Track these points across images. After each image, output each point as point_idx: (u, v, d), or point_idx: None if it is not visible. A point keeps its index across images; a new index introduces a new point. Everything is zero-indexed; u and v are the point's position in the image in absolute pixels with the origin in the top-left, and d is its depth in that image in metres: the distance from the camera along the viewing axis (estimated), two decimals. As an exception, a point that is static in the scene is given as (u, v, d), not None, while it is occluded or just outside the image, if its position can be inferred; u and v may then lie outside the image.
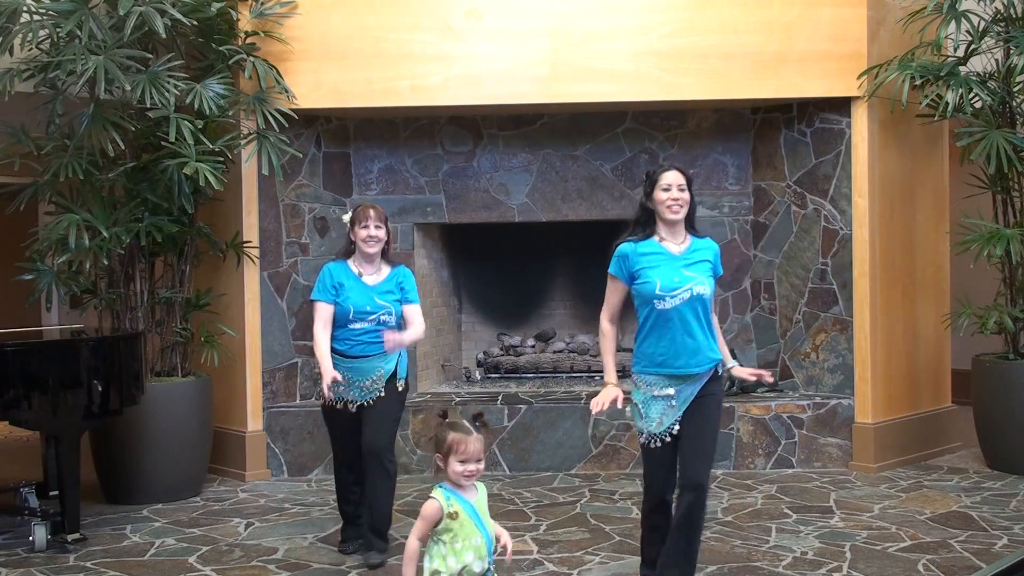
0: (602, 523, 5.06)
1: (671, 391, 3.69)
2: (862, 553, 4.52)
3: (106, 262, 5.73)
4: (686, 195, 3.73)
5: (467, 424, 3.09)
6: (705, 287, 3.69)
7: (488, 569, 3.03)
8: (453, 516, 2.98)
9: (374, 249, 4.47)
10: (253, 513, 5.40)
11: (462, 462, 3.03)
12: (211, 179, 5.36)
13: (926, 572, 4.26)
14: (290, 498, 5.69)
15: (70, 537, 4.77)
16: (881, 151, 6.23)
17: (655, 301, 3.67)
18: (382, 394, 4.46)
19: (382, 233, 4.48)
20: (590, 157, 6.75)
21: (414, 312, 4.55)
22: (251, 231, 6.14)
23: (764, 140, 6.69)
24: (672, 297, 3.65)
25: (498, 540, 3.08)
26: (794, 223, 6.54)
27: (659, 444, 3.73)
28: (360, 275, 4.49)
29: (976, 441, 6.36)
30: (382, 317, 4.44)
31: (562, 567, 4.39)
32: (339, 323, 4.46)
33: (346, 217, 4.61)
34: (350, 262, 4.52)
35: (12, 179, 5.88)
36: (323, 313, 4.46)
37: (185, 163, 5.35)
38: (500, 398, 6.50)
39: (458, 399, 6.51)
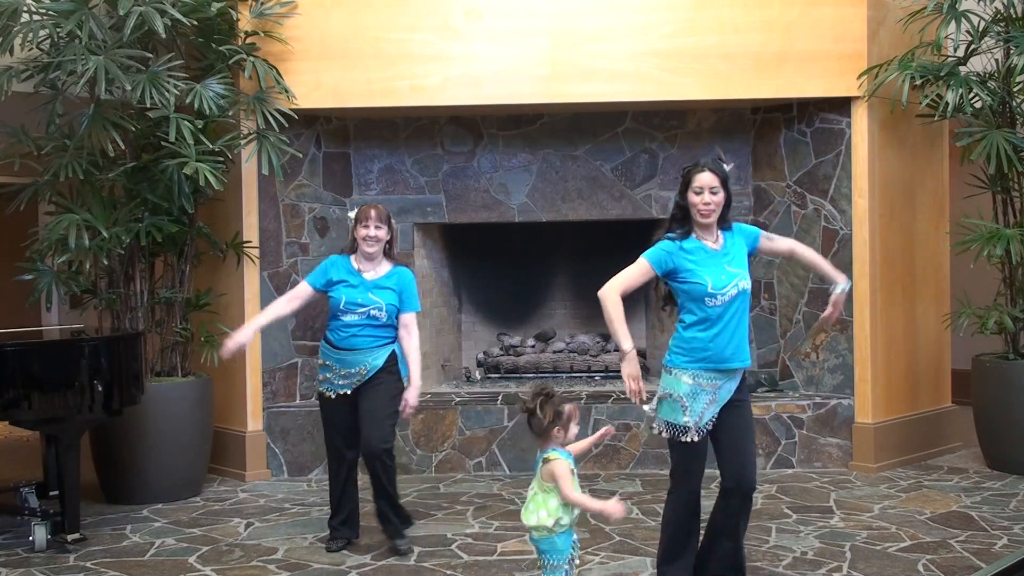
0: (602, 523, 5.05)
1: (718, 383, 3.69)
2: (862, 553, 4.52)
3: (106, 262, 5.73)
4: (718, 197, 3.71)
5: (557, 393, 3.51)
6: (747, 282, 3.73)
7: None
8: (573, 473, 3.42)
9: (373, 249, 4.54)
10: (253, 513, 5.40)
11: (576, 424, 3.47)
12: (211, 179, 5.36)
13: (926, 572, 4.26)
14: (290, 498, 5.69)
15: (70, 537, 4.77)
16: (881, 151, 6.23)
17: (707, 299, 3.66)
18: (373, 380, 4.52)
19: (382, 233, 4.53)
20: (590, 157, 6.75)
21: (410, 320, 4.62)
22: (251, 231, 6.14)
23: (764, 140, 6.69)
24: (723, 295, 3.66)
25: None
26: (794, 223, 6.54)
27: (699, 437, 3.68)
28: (359, 271, 4.57)
29: (976, 441, 6.36)
30: (372, 312, 4.50)
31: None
32: (332, 314, 4.58)
33: (351, 214, 4.66)
34: (352, 258, 4.61)
35: (12, 179, 5.88)
36: (297, 289, 4.74)
37: (185, 163, 5.35)
38: (500, 398, 6.50)
39: (458, 399, 6.51)
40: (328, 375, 4.60)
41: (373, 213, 4.52)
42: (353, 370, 4.54)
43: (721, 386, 3.70)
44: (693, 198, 3.72)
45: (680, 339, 3.74)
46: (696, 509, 3.78)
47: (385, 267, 4.59)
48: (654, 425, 3.82)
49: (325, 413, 4.69)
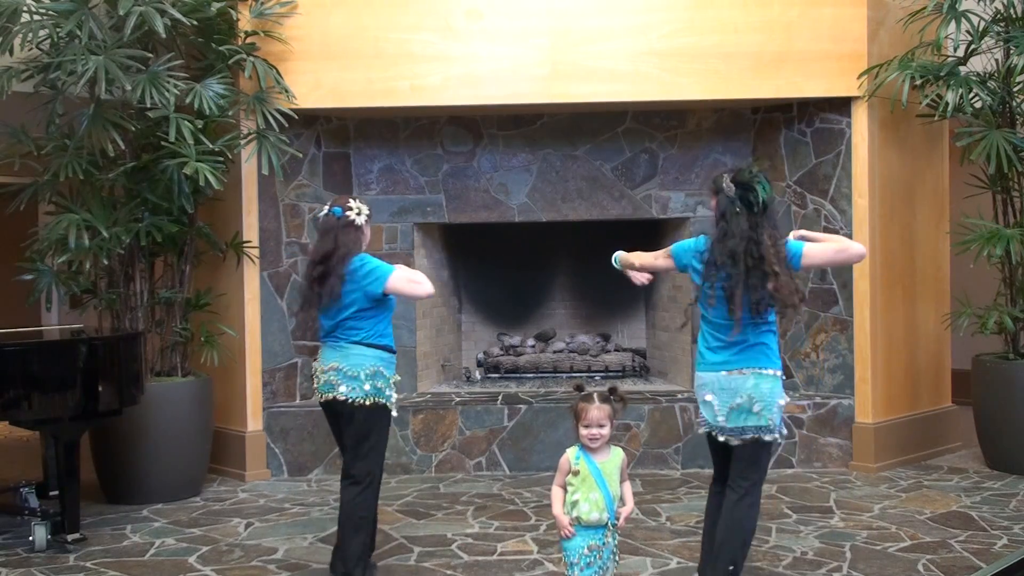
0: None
1: None
2: (862, 553, 4.52)
3: (106, 262, 5.73)
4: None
5: (594, 394, 3.49)
6: None
7: (606, 523, 3.46)
8: (575, 473, 3.46)
9: None
10: (253, 513, 5.40)
11: (585, 427, 3.46)
12: (211, 179, 5.37)
13: (926, 572, 4.26)
14: (290, 498, 5.69)
15: (70, 537, 4.77)
16: (881, 151, 6.23)
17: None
18: None
19: None
20: (590, 157, 6.75)
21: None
22: (251, 231, 6.14)
23: (764, 140, 6.69)
24: None
25: (622, 501, 3.53)
26: (794, 223, 6.52)
27: None
28: None
29: (976, 441, 6.36)
30: None
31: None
32: (388, 320, 4.21)
33: (365, 210, 4.17)
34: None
35: (12, 179, 5.88)
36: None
37: (185, 163, 5.35)
38: (500, 398, 6.50)
39: (458, 399, 6.51)
40: (391, 386, 4.16)
41: None
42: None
43: None
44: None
45: (776, 344, 3.78)
46: None
47: None
48: (778, 437, 3.74)
49: (386, 426, 4.21)
